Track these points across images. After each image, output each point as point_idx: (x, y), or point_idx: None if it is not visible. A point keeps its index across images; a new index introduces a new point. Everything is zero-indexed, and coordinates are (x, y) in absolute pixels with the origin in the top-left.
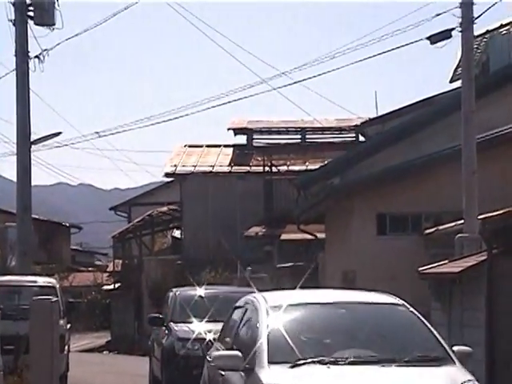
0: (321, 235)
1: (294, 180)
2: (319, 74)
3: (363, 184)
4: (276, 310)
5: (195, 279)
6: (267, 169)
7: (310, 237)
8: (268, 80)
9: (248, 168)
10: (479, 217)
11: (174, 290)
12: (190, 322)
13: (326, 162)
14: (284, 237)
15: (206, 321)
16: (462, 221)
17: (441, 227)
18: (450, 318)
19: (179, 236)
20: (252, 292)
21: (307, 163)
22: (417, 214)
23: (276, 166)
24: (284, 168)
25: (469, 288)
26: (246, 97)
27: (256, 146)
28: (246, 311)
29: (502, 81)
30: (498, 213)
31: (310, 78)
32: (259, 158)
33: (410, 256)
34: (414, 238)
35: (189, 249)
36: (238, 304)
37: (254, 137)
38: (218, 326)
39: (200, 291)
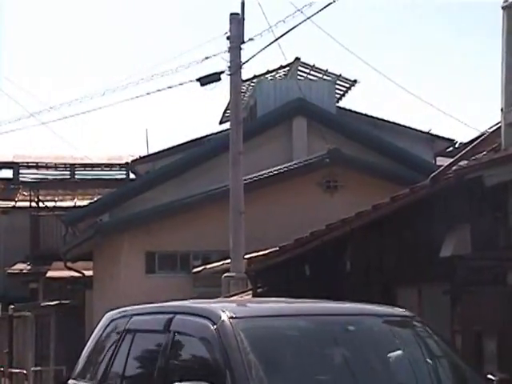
0: (89, 273)
1: (62, 216)
2: (86, 111)
3: (132, 222)
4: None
5: None
6: (34, 204)
7: (77, 274)
8: (37, 114)
9: (13, 203)
10: (245, 257)
11: (217, 319)
12: None
13: (95, 199)
14: (50, 274)
15: None
16: (229, 260)
17: (208, 266)
18: None
19: None
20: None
21: (76, 199)
22: (185, 253)
23: (43, 202)
24: (52, 204)
25: None
26: (12, 130)
27: (23, 181)
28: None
29: (268, 125)
30: (261, 253)
31: (81, 113)
32: (25, 193)
33: (179, 295)
34: (183, 277)
35: None
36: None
37: (21, 171)
38: None
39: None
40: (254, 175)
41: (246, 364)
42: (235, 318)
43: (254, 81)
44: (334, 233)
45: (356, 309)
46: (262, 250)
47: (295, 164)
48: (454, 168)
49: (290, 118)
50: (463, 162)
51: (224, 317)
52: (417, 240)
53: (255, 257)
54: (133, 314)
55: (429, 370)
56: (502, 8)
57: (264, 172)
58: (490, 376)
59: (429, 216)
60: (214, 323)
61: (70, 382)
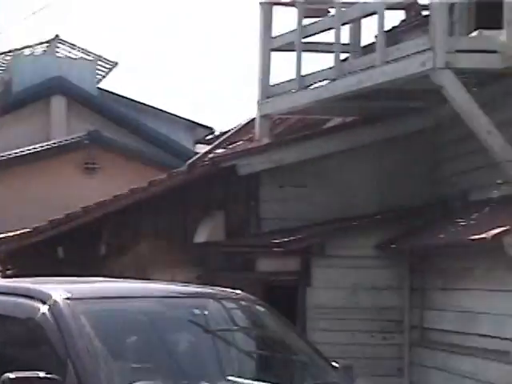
0: None
1: None
2: None
3: None
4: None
5: None
6: None
7: None
8: None
9: None
10: None
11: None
12: None
13: None
14: None
15: None
16: None
17: None
18: None
19: None
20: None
21: None
22: None
23: None
24: None
25: None
26: None
27: None
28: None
29: (25, 102)
30: (12, 234)
31: None
32: None
33: None
34: None
35: None
36: None
37: None
38: None
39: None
40: (8, 153)
41: (92, 352)
42: (71, 298)
43: (11, 55)
44: (89, 215)
45: (200, 291)
46: (17, 231)
47: (53, 144)
48: (210, 156)
49: (48, 96)
50: (220, 151)
51: (57, 297)
52: (173, 225)
53: (5, 237)
54: None
55: (268, 352)
56: (260, 4)
57: (19, 150)
58: (334, 363)
59: (185, 202)
60: (45, 304)
61: None
